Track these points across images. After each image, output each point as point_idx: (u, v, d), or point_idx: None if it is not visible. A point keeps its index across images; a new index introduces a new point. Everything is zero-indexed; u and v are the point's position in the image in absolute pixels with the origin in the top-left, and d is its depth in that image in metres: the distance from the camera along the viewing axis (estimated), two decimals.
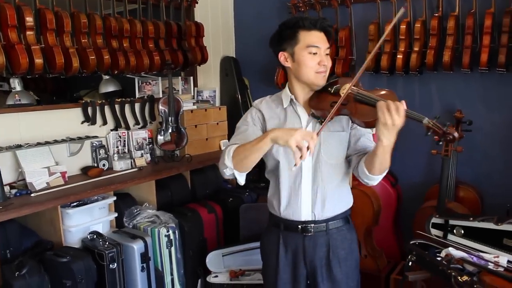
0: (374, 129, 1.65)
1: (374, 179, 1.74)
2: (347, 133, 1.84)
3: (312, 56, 1.76)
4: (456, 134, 1.49)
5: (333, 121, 1.77)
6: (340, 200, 1.89)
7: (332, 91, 1.76)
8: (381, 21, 3.38)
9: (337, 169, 1.85)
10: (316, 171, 1.83)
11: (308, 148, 1.51)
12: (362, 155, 1.77)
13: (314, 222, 1.85)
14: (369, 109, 1.61)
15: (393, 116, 1.49)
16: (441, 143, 1.54)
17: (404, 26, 3.22)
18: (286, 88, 1.89)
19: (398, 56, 3.26)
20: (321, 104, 1.75)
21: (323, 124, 1.69)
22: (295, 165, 1.54)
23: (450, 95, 3.27)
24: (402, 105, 1.51)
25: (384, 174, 1.73)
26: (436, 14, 3.11)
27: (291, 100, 1.85)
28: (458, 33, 3.07)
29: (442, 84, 3.29)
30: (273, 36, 1.86)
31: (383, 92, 1.68)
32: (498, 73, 2.95)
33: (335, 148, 1.83)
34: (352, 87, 1.68)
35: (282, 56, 1.84)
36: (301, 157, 1.51)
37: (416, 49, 3.20)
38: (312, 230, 1.85)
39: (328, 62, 1.79)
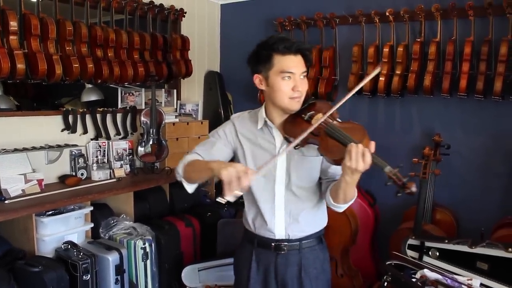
0: None
1: (340, 207, 1.75)
2: (320, 158, 1.81)
3: (286, 82, 1.70)
4: (414, 189, 1.39)
5: (307, 146, 1.73)
6: (314, 221, 1.89)
7: (305, 118, 1.70)
8: (365, 43, 3.45)
9: (311, 192, 1.84)
10: (289, 193, 1.82)
11: (240, 184, 1.46)
12: (332, 181, 1.77)
13: (288, 240, 1.85)
14: (338, 146, 1.54)
15: (358, 162, 1.46)
16: (399, 194, 1.42)
17: (387, 50, 3.29)
18: (263, 108, 1.84)
19: (380, 79, 3.32)
20: (294, 129, 1.71)
21: (282, 150, 1.69)
22: (222, 197, 1.49)
23: (430, 119, 3.34)
24: (368, 153, 1.45)
25: (350, 203, 1.73)
26: (418, 40, 3.19)
27: (265, 122, 1.83)
28: (439, 58, 3.15)
29: (422, 108, 3.36)
30: (250, 56, 1.81)
31: (355, 127, 1.62)
32: (476, 100, 3.03)
33: (308, 172, 1.81)
34: (327, 118, 1.64)
35: (257, 79, 1.78)
36: (229, 191, 1.46)
37: (398, 72, 3.27)
38: (286, 248, 1.85)
39: (304, 87, 1.73)
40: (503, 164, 3.10)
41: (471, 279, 2.29)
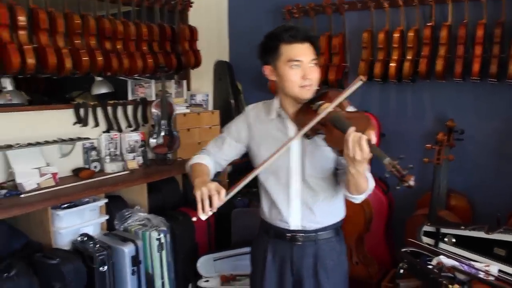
0: None
1: (355, 198, 1.71)
2: None
3: (294, 71, 1.68)
4: (412, 183, 1.34)
5: (320, 136, 1.70)
6: (330, 212, 1.87)
7: (314, 108, 1.67)
8: (375, 29, 3.41)
9: (327, 183, 1.82)
10: (305, 184, 1.80)
11: (211, 204, 1.49)
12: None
13: (304, 232, 1.84)
14: (342, 136, 1.49)
15: (354, 149, 1.42)
16: (398, 187, 1.39)
17: (398, 35, 3.25)
18: (276, 99, 1.84)
19: (391, 64, 3.28)
20: (304, 119, 1.68)
21: (288, 140, 1.64)
22: (197, 216, 1.51)
23: (443, 104, 3.30)
24: (365, 140, 1.40)
25: (367, 193, 1.68)
26: (429, 24, 3.15)
27: (278, 112, 1.82)
28: (451, 42, 3.10)
29: (435, 93, 3.32)
30: (258, 48, 1.79)
31: (358, 117, 1.55)
32: (489, 83, 2.99)
33: (322, 163, 1.79)
34: (335, 108, 1.60)
35: (267, 70, 1.78)
36: (203, 210, 1.49)
37: (409, 57, 3.23)
38: (301, 239, 1.83)
39: (314, 75, 1.71)
40: None
41: (488, 266, 2.28)
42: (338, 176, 1.81)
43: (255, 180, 1.97)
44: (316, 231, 1.84)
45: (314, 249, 1.84)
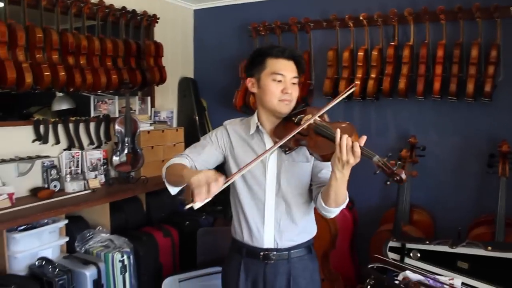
0: None
1: (331, 211, 1.71)
2: (311, 163, 1.83)
3: (276, 84, 1.75)
4: (403, 176, 1.43)
5: (297, 152, 1.76)
6: (303, 230, 1.87)
7: (295, 121, 1.74)
8: (340, 47, 3.47)
9: (300, 199, 1.83)
10: (279, 200, 1.80)
11: (209, 190, 1.44)
12: (322, 187, 1.75)
13: (277, 250, 1.82)
14: (327, 142, 1.59)
15: (348, 154, 1.48)
16: (388, 182, 1.46)
17: (362, 54, 3.32)
18: (255, 114, 1.87)
19: (355, 82, 3.34)
20: (285, 133, 1.72)
21: (268, 150, 1.68)
22: (191, 202, 1.46)
23: (405, 121, 3.38)
24: (357, 145, 1.48)
25: (342, 207, 1.71)
26: (392, 43, 3.23)
27: (257, 127, 1.84)
28: (413, 61, 3.19)
29: (397, 110, 3.40)
30: (246, 62, 1.87)
31: (343, 125, 1.64)
32: (449, 101, 3.08)
33: (298, 178, 1.81)
34: (316, 119, 1.67)
35: (250, 82, 1.84)
36: (199, 197, 1.44)
37: (373, 75, 3.30)
38: (274, 258, 1.82)
39: (294, 91, 1.78)
40: (475, 163, 3.17)
41: (452, 279, 2.33)
42: (313, 191, 1.81)
43: (225, 198, 1.94)
44: (289, 249, 1.82)
45: (287, 268, 1.82)
